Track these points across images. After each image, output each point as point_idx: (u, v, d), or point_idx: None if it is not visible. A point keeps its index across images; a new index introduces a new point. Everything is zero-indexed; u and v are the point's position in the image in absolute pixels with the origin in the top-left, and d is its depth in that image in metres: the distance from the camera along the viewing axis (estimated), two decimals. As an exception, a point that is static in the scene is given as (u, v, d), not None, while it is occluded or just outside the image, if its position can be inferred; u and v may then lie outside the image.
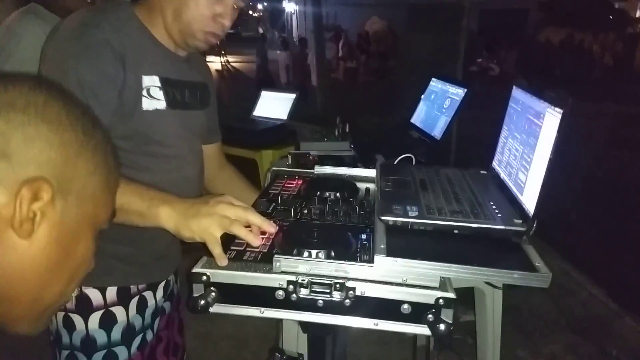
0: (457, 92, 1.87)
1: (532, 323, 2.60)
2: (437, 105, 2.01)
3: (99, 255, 1.09)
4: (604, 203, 3.94)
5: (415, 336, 1.94)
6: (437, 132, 1.92)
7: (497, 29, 15.23)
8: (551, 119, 0.81)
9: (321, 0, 9.31)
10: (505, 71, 12.48)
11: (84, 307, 1.08)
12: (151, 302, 1.18)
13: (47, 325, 0.59)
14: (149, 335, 1.18)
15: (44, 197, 0.47)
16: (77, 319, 1.08)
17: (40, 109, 0.48)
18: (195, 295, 0.78)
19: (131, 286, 1.14)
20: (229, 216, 0.86)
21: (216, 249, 0.80)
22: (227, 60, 15.31)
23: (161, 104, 1.09)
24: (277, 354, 1.32)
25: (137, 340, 1.15)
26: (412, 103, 2.26)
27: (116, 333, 1.11)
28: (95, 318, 1.09)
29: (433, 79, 2.14)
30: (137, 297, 1.15)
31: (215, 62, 14.06)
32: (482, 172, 1.15)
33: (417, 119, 2.17)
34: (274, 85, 9.44)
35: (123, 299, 1.12)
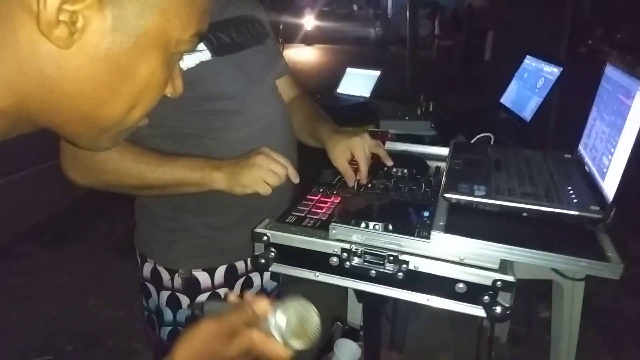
0: (552, 71, 1.73)
1: (620, 327, 2.39)
2: (530, 85, 1.88)
3: (205, 232, 1.08)
4: None
5: (490, 327, 1.87)
6: (527, 113, 1.80)
7: (613, 8, 13.75)
8: (642, 97, 0.73)
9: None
10: (619, 55, 11.28)
11: (192, 289, 1.08)
12: (257, 283, 1.17)
13: (117, 144, 0.50)
14: None
15: None
16: (183, 299, 1.09)
17: None
18: (256, 253, 0.83)
19: (238, 265, 1.11)
20: (268, 166, 0.90)
21: (267, 188, 0.89)
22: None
23: (205, 55, 0.95)
24: (338, 322, 1.35)
25: None
26: (506, 82, 2.13)
27: None
28: (202, 299, 1.09)
29: (527, 56, 2.00)
30: (243, 279, 1.13)
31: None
32: (566, 155, 1.07)
33: (507, 99, 2.05)
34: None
35: (230, 280, 1.11)
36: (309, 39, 14.01)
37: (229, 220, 1.07)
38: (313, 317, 0.57)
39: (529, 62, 1.97)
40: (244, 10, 1.09)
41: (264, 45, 1.11)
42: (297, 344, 0.56)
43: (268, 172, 0.89)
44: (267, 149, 0.93)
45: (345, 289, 1.64)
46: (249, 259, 1.12)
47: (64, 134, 0.46)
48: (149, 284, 1.12)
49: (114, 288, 2.57)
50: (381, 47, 13.54)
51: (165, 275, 1.08)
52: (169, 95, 0.49)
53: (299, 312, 0.56)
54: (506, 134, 1.76)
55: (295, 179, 0.95)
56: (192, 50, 0.46)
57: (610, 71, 0.95)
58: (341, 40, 14.02)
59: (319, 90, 3.59)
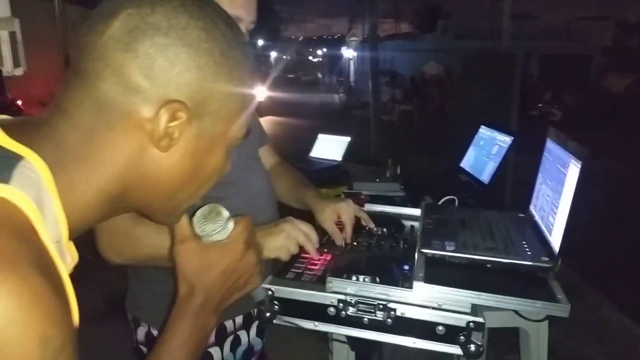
0: (505, 140, 1.97)
1: (586, 374, 2.54)
2: (486, 151, 2.11)
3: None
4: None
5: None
6: (485, 176, 2.01)
7: (559, 74, 15.05)
8: (573, 169, 0.92)
9: (378, 46, 9.69)
10: (567, 116, 12.24)
11: None
12: (244, 340, 1.25)
13: (179, 219, 0.64)
14: None
15: (180, 117, 0.51)
16: None
17: (180, 33, 0.50)
18: (262, 307, 0.94)
19: (227, 324, 1.19)
20: (294, 235, 1.02)
21: (289, 254, 1.01)
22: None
23: None
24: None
25: None
26: (463, 147, 2.37)
27: None
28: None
29: (482, 126, 2.25)
30: (232, 337, 1.21)
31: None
32: (520, 214, 1.25)
33: (466, 163, 2.27)
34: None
35: (220, 338, 1.18)
36: (260, 111, 13.87)
37: None
38: (221, 209, 0.67)
39: (484, 131, 2.21)
40: None
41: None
42: (213, 231, 0.66)
43: (293, 241, 1.02)
44: (292, 218, 1.06)
45: (328, 345, 1.73)
46: (236, 318, 1.22)
47: (147, 211, 0.59)
48: (143, 347, 1.18)
49: (92, 356, 2.53)
50: (346, 111, 14.16)
51: None
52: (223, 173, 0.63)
53: (210, 208, 0.67)
54: (468, 195, 1.96)
55: (316, 256, 1.07)
56: (241, 143, 0.61)
57: (550, 144, 1.15)
58: (299, 112, 13.89)
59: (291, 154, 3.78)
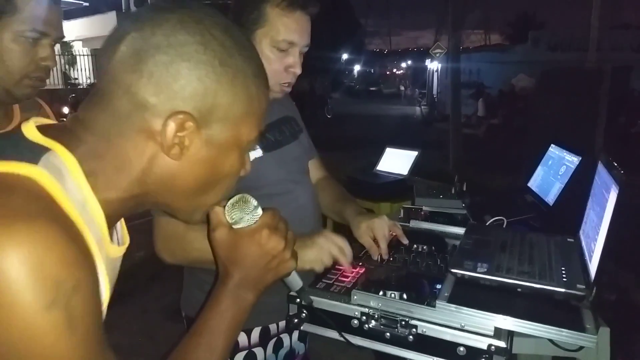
0: (572, 160, 1.87)
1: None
2: (553, 171, 2.01)
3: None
4: None
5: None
6: (550, 198, 1.92)
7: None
8: (613, 194, 0.88)
9: (460, 57, 9.44)
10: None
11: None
12: (286, 343, 1.32)
13: (202, 218, 0.69)
14: None
15: (188, 127, 0.55)
16: None
17: (179, 49, 0.54)
18: (290, 313, 0.99)
19: (271, 327, 1.26)
20: (328, 248, 1.07)
21: (322, 267, 1.07)
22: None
23: (258, 152, 1.19)
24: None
25: None
26: (534, 165, 2.27)
27: None
28: (239, 357, 1.22)
29: (552, 144, 2.15)
30: (275, 339, 1.28)
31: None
32: (569, 239, 1.19)
33: (533, 183, 2.18)
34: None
35: (263, 340, 1.25)
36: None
37: None
38: (249, 198, 0.72)
39: (554, 150, 2.11)
40: (283, 112, 1.33)
41: (298, 140, 1.35)
42: (241, 218, 0.71)
43: (327, 253, 1.07)
44: (327, 232, 1.11)
45: (369, 353, 1.74)
46: (279, 322, 1.28)
47: (171, 211, 0.66)
48: None
49: (163, 349, 2.73)
50: (426, 124, 13.93)
51: None
52: (242, 174, 0.68)
53: (239, 197, 0.72)
54: (532, 216, 1.88)
55: (349, 268, 1.10)
56: (256, 144, 0.66)
57: (600, 167, 1.10)
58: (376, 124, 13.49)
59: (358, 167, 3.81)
